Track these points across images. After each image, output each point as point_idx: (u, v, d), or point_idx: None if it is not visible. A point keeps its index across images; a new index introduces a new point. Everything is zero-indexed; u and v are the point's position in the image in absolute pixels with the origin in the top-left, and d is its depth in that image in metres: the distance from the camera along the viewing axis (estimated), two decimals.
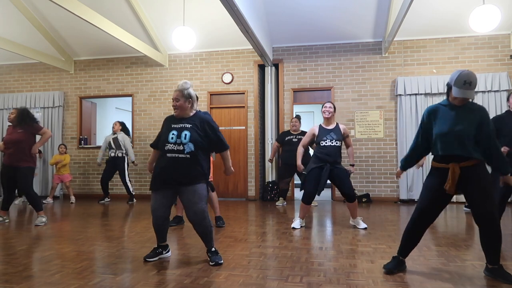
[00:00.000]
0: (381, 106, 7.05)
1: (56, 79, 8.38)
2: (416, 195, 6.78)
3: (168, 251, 3.21)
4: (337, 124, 4.49)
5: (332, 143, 4.33)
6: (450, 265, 2.88)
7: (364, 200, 6.82)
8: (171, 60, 7.90)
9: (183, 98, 2.98)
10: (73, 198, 7.17)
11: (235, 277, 2.64)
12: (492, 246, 2.52)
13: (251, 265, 2.94)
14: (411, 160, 2.85)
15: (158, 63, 7.73)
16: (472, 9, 5.18)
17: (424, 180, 5.94)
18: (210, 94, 7.68)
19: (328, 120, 4.45)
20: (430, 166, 2.74)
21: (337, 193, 7.10)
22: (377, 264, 2.93)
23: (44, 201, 7.09)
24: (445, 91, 2.76)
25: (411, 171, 6.81)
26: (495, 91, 6.63)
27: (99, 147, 8.07)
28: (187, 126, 2.94)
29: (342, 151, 4.62)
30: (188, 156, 2.88)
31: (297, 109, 7.92)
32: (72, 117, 8.26)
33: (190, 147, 2.88)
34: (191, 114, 3.04)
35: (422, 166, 3.96)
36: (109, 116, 9.89)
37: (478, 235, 3.70)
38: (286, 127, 7.37)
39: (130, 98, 8.11)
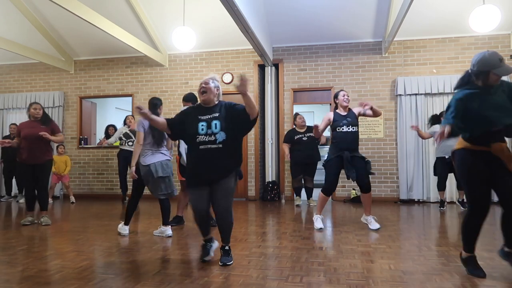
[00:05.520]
0: (381, 106, 7.04)
1: (56, 79, 8.38)
2: (416, 195, 6.78)
3: (214, 241, 3.16)
4: (350, 109, 4.45)
5: (348, 128, 4.27)
6: (450, 265, 2.88)
7: None
8: (171, 60, 7.90)
9: (213, 84, 2.97)
10: (73, 198, 7.16)
11: (235, 277, 2.64)
12: None
13: (251, 265, 2.94)
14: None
15: (158, 63, 7.73)
16: (472, 9, 5.18)
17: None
18: None
19: (345, 108, 4.43)
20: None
21: (337, 193, 7.10)
22: (377, 264, 2.93)
23: None
24: (472, 77, 2.60)
25: (411, 171, 6.81)
26: None
27: (99, 147, 8.07)
28: (215, 115, 2.90)
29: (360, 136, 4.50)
30: (220, 146, 2.83)
31: (297, 109, 7.90)
32: (72, 117, 8.26)
33: (222, 136, 2.83)
34: (216, 102, 3.01)
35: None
36: (109, 116, 9.89)
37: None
38: (286, 127, 7.37)
39: (130, 98, 8.11)
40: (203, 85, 2.95)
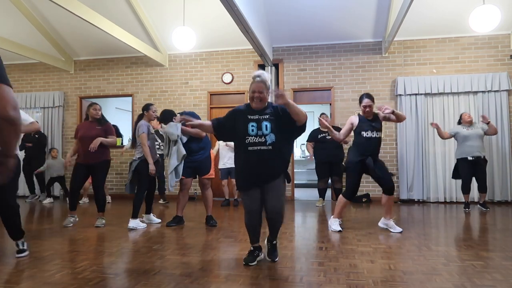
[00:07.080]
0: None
1: (56, 79, 8.38)
2: (416, 195, 6.79)
3: (262, 252, 3.13)
4: (375, 114, 4.24)
5: (373, 134, 4.13)
6: (450, 265, 2.88)
7: (364, 200, 6.82)
8: (171, 60, 7.90)
9: (266, 90, 2.90)
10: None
11: (235, 277, 2.64)
12: None
13: (251, 265, 2.93)
14: None
15: (158, 63, 7.73)
16: (472, 9, 5.18)
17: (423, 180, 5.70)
18: (210, 94, 7.68)
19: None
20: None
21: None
22: (377, 264, 2.93)
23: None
24: None
25: (411, 171, 6.81)
26: (495, 91, 6.63)
27: None
28: (265, 116, 2.87)
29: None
30: (270, 147, 2.81)
31: None
32: (72, 117, 8.26)
33: (271, 137, 2.82)
34: (266, 104, 2.97)
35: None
36: (109, 116, 9.82)
37: (478, 235, 3.70)
38: None
39: (130, 98, 8.11)
40: (258, 94, 2.87)
